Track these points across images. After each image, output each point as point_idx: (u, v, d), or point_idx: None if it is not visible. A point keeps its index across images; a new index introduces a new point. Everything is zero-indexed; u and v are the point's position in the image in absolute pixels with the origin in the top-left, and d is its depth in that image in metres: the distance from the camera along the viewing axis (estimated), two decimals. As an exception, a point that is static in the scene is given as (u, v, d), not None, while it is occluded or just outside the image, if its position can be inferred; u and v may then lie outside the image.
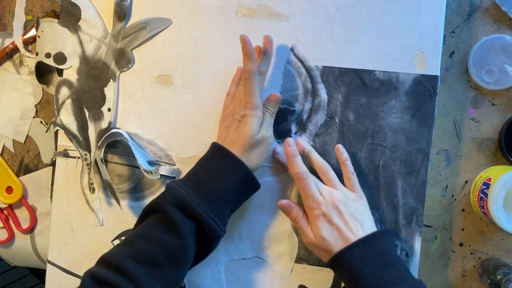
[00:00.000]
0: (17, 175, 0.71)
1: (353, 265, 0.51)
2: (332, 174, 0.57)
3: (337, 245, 0.53)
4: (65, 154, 0.65)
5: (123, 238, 0.64)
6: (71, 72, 0.64)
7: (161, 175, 0.61)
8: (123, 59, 0.63)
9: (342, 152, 0.58)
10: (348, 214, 0.54)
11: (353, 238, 0.52)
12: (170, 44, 0.62)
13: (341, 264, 0.52)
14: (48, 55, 0.64)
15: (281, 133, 0.61)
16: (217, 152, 0.55)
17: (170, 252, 0.50)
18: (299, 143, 0.59)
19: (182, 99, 0.63)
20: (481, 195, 0.59)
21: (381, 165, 0.59)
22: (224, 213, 0.54)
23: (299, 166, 0.55)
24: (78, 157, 0.65)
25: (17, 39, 0.70)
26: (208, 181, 0.53)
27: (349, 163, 0.57)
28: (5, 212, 0.71)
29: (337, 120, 0.59)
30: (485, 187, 0.58)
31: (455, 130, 0.63)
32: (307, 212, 0.55)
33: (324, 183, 0.56)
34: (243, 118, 0.55)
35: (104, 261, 0.50)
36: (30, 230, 0.71)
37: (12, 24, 0.71)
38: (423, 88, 0.58)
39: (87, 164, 0.64)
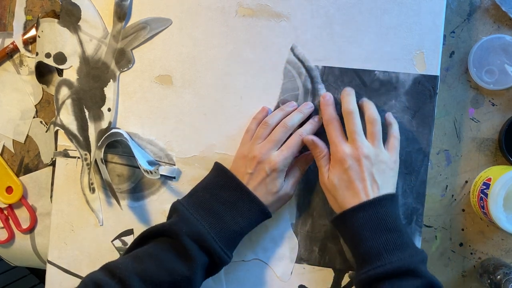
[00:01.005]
0: (17, 175, 0.71)
1: (356, 227, 0.51)
2: (377, 128, 0.54)
3: (345, 198, 0.52)
4: (65, 154, 0.65)
5: (123, 238, 0.64)
6: (71, 72, 0.64)
7: (161, 175, 0.61)
8: (123, 59, 0.63)
9: (389, 115, 0.57)
10: (368, 172, 0.52)
11: (363, 198, 0.51)
12: (170, 44, 0.62)
13: (345, 225, 0.52)
14: (48, 55, 0.64)
15: (281, 133, 0.61)
16: (230, 182, 0.55)
17: (177, 281, 0.50)
18: (364, 100, 0.57)
19: (182, 99, 0.63)
20: (481, 195, 0.59)
21: (381, 165, 0.59)
22: (236, 244, 0.55)
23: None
24: (78, 157, 0.65)
25: (17, 39, 0.70)
26: (223, 215, 0.53)
27: (396, 126, 0.56)
28: (5, 212, 0.71)
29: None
30: (485, 187, 0.58)
31: (455, 130, 0.63)
32: (331, 154, 0.55)
33: (366, 135, 0.54)
34: (272, 173, 0.54)
35: (110, 270, 0.49)
36: (30, 230, 0.71)
37: (12, 24, 0.71)
38: (423, 88, 0.58)
39: (87, 164, 0.64)
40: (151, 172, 0.60)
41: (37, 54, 0.65)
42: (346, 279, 0.60)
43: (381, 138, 0.54)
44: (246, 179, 0.55)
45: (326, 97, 0.57)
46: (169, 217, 0.55)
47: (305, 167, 0.58)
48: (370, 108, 0.56)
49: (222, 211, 0.53)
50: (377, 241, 0.50)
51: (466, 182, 0.63)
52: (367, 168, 0.52)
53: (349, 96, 0.56)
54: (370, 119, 0.55)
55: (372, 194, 0.52)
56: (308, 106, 0.58)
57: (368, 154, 0.53)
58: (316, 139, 0.56)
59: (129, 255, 0.52)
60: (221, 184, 0.55)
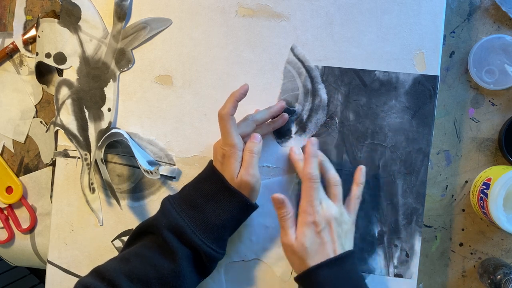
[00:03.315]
0: (17, 175, 0.71)
1: (321, 284, 0.50)
2: (339, 190, 0.55)
3: (313, 258, 0.52)
4: (65, 154, 0.65)
5: (123, 238, 0.64)
6: (71, 72, 0.64)
7: (161, 175, 0.61)
8: (123, 59, 0.63)
9: (362, 174, 0.57)
10: (337, 234, 0.53)
11: (331, 255, 0.51)
12: (170, 44, 0.62)
13: (310, 281, 0.51)
14: (48, 55, 0.64)
15: (281, 133, 0.61)
16: (212, 176, 0.55)
17: (164, 275, 0.50)
18: (322, 159, 0.57)
19: (182, 99, 0.63)
20: (481, 195, 0.59)
21: (381, 165, 0.59)
22: (222, 238, 0.54)
23: (314, 168, 0.54)
24: (78, 157, 0.65)
25: (17, 39, 0.70)
26: (204, 207, 0.53)
27: (361, 187, 0.57)
28: (5, 212, 0.71)
29: (337, 120, 0.59)
30: (485, 187, 0.58)
31: (455, 130, 0.63)
32: (300, 214, 0.54)
33: (328, 195, 0.55)
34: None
35: (99, 274, 0.50)
36: (30, 230, 0.71)
37: (12, 24, 0.71)
38: (423, 88, 0.58)
39: (87, 164, 0.64)
40: (151, 172, 0.60)
41: (37, 54, 0.65)
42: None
43: (342, 199, 0.55)
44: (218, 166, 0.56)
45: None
46: (157, 211, 0.56)
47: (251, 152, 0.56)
48: (330, 169, 0.56)
49: (203, 204, 0.53)
50: None
51: (466, 182, 0.63)
52: (336, 230, 0.53)
53: (313, 159, 0.54)
54: (332, 181, 0.55)
55: (338, 252, 0.52)
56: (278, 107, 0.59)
57: (336, 216, 0.53)
58: (285, 199, 0.54)
59: (117, 257, 0.53)
60: (204, 177, 0.56)
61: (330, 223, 0.53)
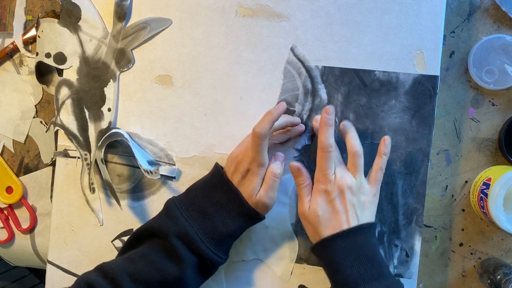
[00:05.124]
0: (17, 175, 0.71)
1: (335, 255, 0.50)
2: (360, 161, 0.54)
3: (326, 227, 0.52)
4: (65, 154, 0.65)
5: (123, 238, 0.64)
6: (71, 72, 0.64)
7: (161, 175, 0.61)
8: (123, 59, 0.63)
9: (387, 145, 0.55)
10: (351, 203, 0.52)
11: (345, 226, 0.51)
12: (170, 44, 0.62)
13: (325, 251, 0.52)
14: (48, 55, 0.64)
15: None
16: (223, 185, 0.55)
17: (167, 280, 0.51)
18: (345, 122, 0.56)
19: (182, 99, 0.63)
20: (481, 195, 0.59)
21: (381, 165, 0.59)
22: (228, 245, 0.55)
23: (329, 137, 0.53)
24: (78, 157, 0.65)
25: (17, 39, 0.70)
26: (213, 216, 0.53)
27: (386, 158, 0.55)
28: (5, 212, 0.71)
29: (337, 120, 0.59)
30: (485, 187, 0.58)
31: (455, 130, 0.63)
32: (314, 182, 0.54)
33: (347, 165, 0.54)
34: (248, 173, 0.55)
35: (103, 271, 0.51)
36: (30, 230, 0.71)
37: (12, 24, 0.71)
38: (423, 88, 0.58)
39: (87, 164, 0.64)
40: (151, 172, 0.60)
41: (37, 54, 0.65)
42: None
43: (362, 170, 0.54)
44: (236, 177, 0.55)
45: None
46: (162, 213, 0.56)
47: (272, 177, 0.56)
48: (352, 138, 0.54)
49: (212, 212, 0.53)
50: (354, 270, 0.49)
51: (466, 182, 0.63)
52: (350, 199, 0.52)
53: (327, 127, 0.53)
54: (352, 152, 0.54)
55: (353, 224, 0.52)
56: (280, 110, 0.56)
57: (351, 186, 0.53)
58: (302, 168, 0.55)
59: (122, 256, 0.53)
60: (213, 184, 0.55)
61: (343, 192, 0.52)
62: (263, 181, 0.54)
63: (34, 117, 0.71)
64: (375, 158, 0.55)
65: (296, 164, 0.55)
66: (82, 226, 0.65)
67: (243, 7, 0.61)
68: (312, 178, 0.55)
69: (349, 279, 0.49)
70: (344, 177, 0.53)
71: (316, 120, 0.59)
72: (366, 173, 0.55)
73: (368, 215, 0.53)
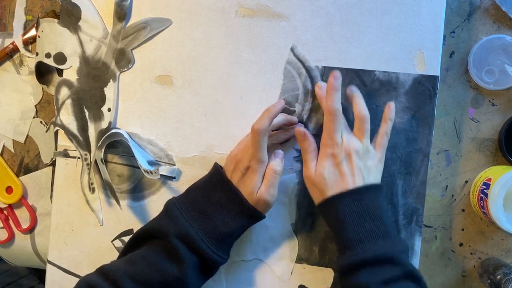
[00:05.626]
0: (17, 175, 0.71)
1: (341, 213, 0.51)
2: (367, 126, 0.54)
3: (332, 189, 0.52)
4: (65, 154, 0.65)
5: (123, 238, 0.64)
6: (71, 72, 0.64)
7: (161, 175, 0.61)
8: (123, 59, 0.63)
9: (391, 111, 0.55)
10: (357, 167, 0.53)
11: (351, 187, 0.52)
12: (170, 44, 0.62)
13: (330, 210, 0.52)
14: (48, 55, 0.64)
15: (281, 133, 0.61)
16: (223, 184, 0.55)
17: (168, 281, 0.51)
18: (351, 87, 0.56)
19: (182, 99, 0.63)
20: (481, 195, 0.59)
21: (381, 165, 0.59)
22: (228, 245, 0.55)
23: (334, 101, 0.53)
24: (78, 157, 0.65)
25: (17, 39, 0.70)
26: (213, 215, 0.53)
27: (390, 124, 0.55)
28: (5, 212, 0.71)
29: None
30: (485, 187, 0.58)
31: (455, 130, 0.63)
32: (321, 147, 0.55)
33: (354, 130, 0.55)
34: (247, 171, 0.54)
35: (104, 273, 0.51)
36: (30, 230, 0.71)
37: (12, 24, 0.71)
38: (423, 88, 0.58)
39: (87, 164, 0.64)
40: (151, 172, 0.60)
41: (37, 54, 0.65)
42: (346, 279, 0.60)
43: (368, 136, 0.55)
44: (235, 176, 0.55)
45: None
46: (162, 214, 0.56)
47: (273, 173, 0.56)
48: (360, 103, 0.55)
49: (213, 212, 0.53)
50: (359, 228, 0.50)
51: (466, 182, 0.63)
52: (356, 163, 0.53)
53: (333, 91, 0.53)
54: (359, 116, 0.54)
55: (359, 184, 0.52)
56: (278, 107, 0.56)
57: (358, 150, 0.53)
58: (308, 133, 0.56)
59: (123, 258, 0.53)
60: (213, 183, 0.55)
61: (350, 156, 0.53)
62: (264, 178, 0.54)
63: (34, 117, 0.71)
64: (380, 123, 0.56)
65: (302, 128, 0.56)
66: (82, 226, 0.65)
67: (243, 7, 0.61)
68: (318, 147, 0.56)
69: (353, 236, 0.49)
70: (351, 141, 0.53)
71: (319, 87, 0.59)
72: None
73: (374, 179, 0.54)
